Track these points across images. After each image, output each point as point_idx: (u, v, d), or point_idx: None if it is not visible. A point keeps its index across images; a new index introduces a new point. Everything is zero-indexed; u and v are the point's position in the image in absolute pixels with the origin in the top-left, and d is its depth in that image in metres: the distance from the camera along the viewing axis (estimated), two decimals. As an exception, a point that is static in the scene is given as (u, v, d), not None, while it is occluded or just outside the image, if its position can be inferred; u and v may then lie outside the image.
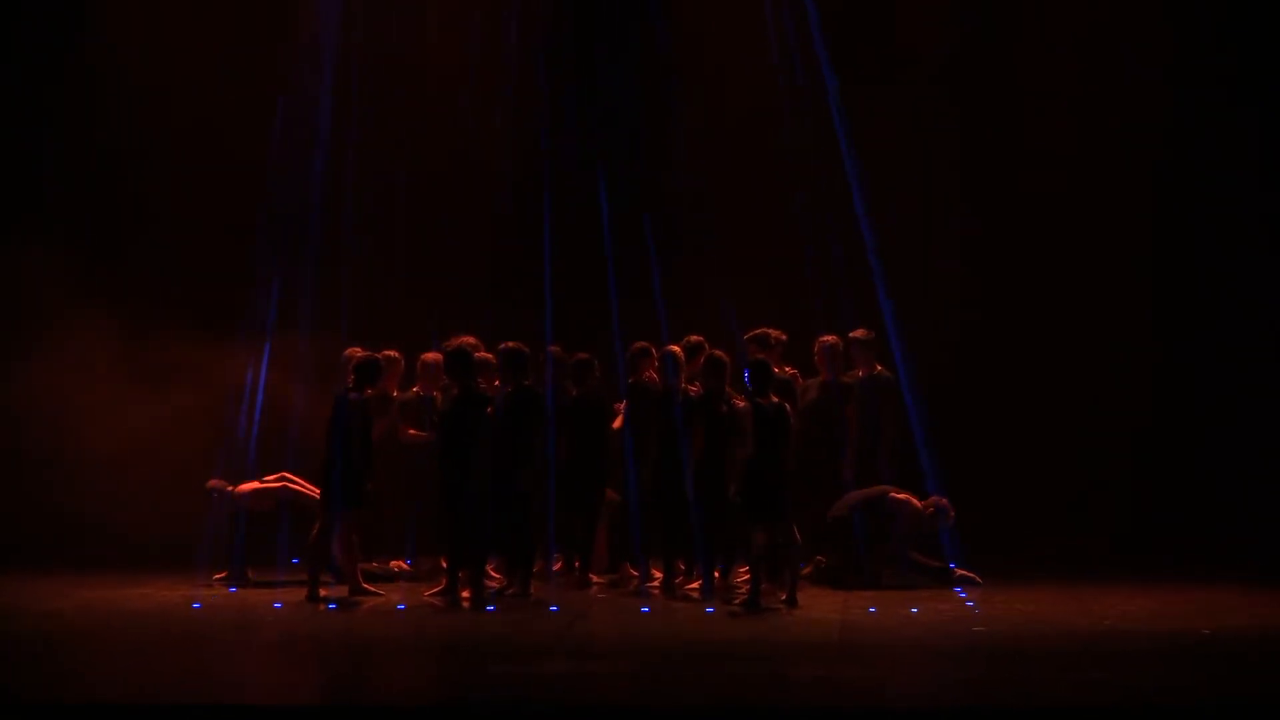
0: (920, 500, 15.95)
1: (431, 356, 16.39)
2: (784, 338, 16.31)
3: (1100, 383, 18.19)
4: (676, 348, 15.88)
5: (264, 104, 17.86)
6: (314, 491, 15.75)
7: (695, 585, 15.66)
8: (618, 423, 16.09)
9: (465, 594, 15.21)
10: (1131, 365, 18.13)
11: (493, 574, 15.83)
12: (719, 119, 18.36)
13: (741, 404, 15.17)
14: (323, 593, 15.28)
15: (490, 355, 15.88)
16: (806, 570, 16.05)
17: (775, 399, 15.12)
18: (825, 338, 16.51)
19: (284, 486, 16.17)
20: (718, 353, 15.67)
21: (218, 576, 16.10)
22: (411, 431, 16.33)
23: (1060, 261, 18.28)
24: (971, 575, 15.95)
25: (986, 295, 18.29)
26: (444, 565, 15.61)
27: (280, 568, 16.41)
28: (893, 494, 15.88)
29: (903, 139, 18.31)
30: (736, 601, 15.10)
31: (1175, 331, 18.05)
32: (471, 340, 15.85)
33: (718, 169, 18.11)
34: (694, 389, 15.62)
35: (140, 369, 17.83)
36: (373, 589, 15.60)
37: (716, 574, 15.63)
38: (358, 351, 15.86)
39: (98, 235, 18.45)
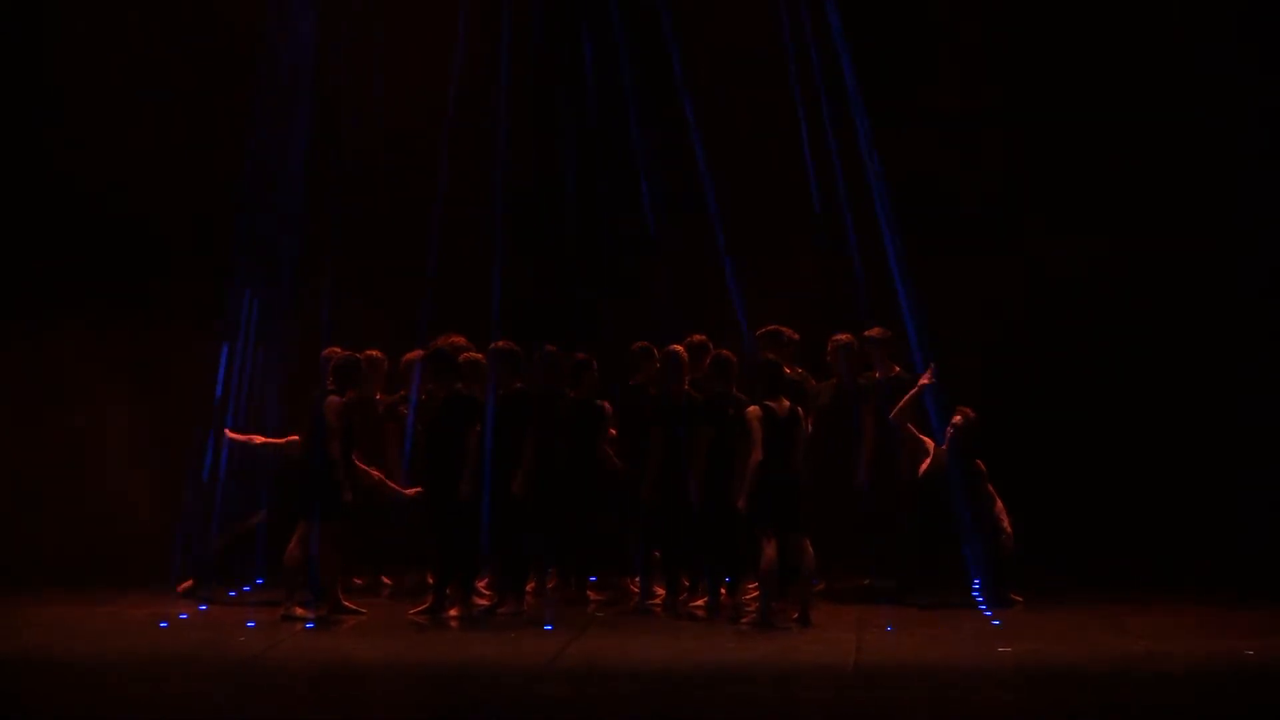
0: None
1: (416, 356, 16.18)
2: (796, 337, 16.21)
3: (1129, 390, 18.17)
4: (679, 347, 15.78)
5: (240, 101, 17.95)
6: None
7: (700, 602, 15.64)
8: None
9: (453, 612, 15.18)
10: (1158, 372, 18.15)
11: (483, 590, 15.74)
12: (729, 105, 18.37)
13: (750, 408, 15.05)
14: (299, 611, 15.15)
15: (480, 355, 15.73)
16: (819, 586, 15.93)
17: (786, 402, 15.08)
18: (839, 337, 16.39)
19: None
20: (724, 352, 15.60)
21: (182, 586, 15.97)
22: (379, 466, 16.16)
23: (1093, 257, 18.27)
24: (1016, 599, 15.89)
25: (1015, 292, 18.25)
26: (430, 581, 15.51)
27: (254, 582, 16.39)
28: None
29: (927, 127, 18.34)
30: (745, 620, 15.05)
31: (1202, 341, 18.10)
32: (460, 340, 15.80)
33: (726, 157, 18.03)
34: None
35: (113, 375, 17.95)
36: (354, 606, 15.47)
37: (723, 590, 15.57)
38: (337, 351, 15.75)
39: (69, 236, 18.50)
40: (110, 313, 18.02)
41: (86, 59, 18.36)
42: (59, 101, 18.42)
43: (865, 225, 17.24)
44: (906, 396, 15.79)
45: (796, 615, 14.88)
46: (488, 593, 15.72)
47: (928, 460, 15.83)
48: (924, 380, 15.82)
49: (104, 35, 18.35)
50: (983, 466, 15.94)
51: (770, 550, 14.82)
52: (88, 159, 18.35)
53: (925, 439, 15.87)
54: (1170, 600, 16.02)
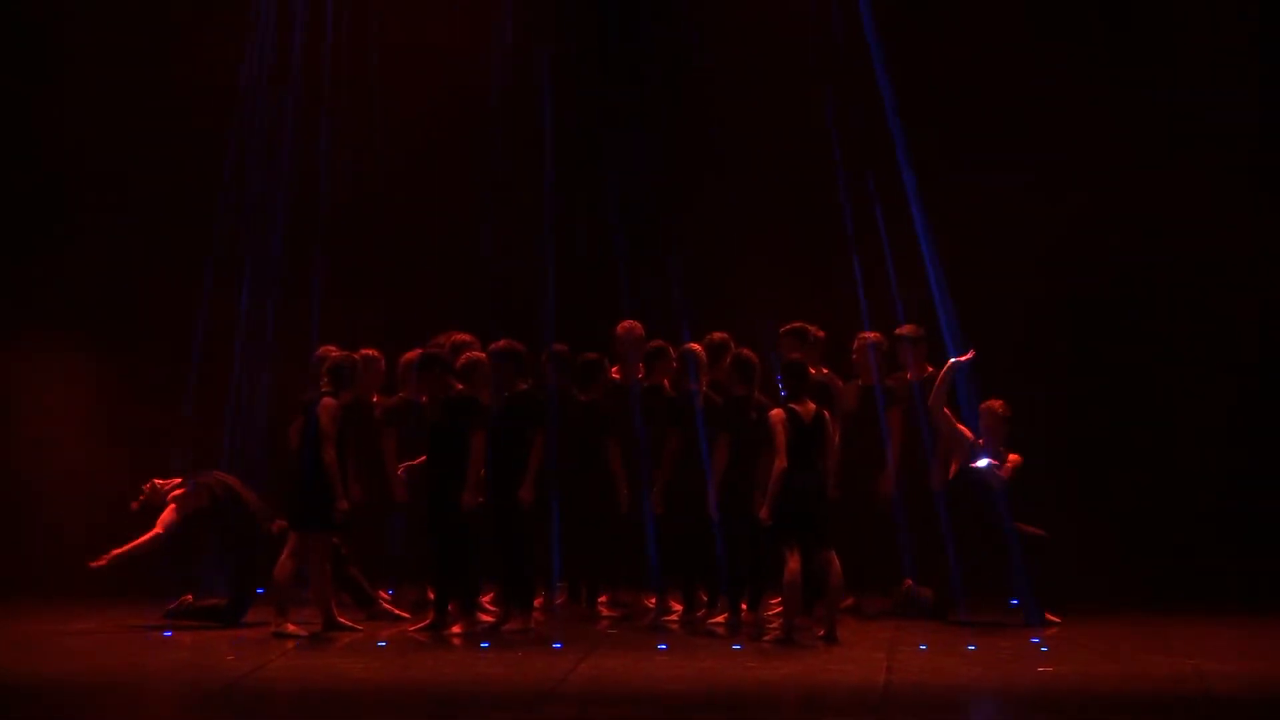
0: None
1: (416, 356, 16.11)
2: (823, 335, 16.20)
3: (1172, 394, 18.12)
4: (697, 346, 15.75)
5: (229, 87, 18.00)
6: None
7: (720, 619, 15.56)
8: None
9: (456, 629, 15.13)
10: (1197, 381, 18.09)
11: (487, 606, 15.64)
12: (754, 90, 18.27)
13: (773, 411, 14.97)
14: (291, 628, 15.06)
15: (484, 355, 15.64)
16: (848, 602, 15.85)
17: (812, 405, 14.97)
18: (867, 335, 16.35)
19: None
20: (745, 352, 15.52)
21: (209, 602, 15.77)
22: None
23: (1139, 253, 18.20)
24: (1053, 618, 15.74)
25: (1056, 288, 18.10)
26: (431, 596, 15.46)
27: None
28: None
29: (964, 113, 18.28)
30: (767, 638, 14.98)
31: (1244, 352, 18.12)
32: (467, 338, 15.74)
33: (748, 143, 18.08)
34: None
35: (103, 380, 18.04)
36: (349, 623, 15.39)
37: (744, 606, 15.48)
38: (332, 351, 15.70)
39: (52, 237, 18.47)
40: (93, 315, 18.02)
41: (82, 55, 18.38)
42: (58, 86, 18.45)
43: (896, 220, 17.16)
44: (940, 377, 15.59)
45: (823, 633, 14.81)
46: (493, 608, 15.62)
47: (960, 458, 15.70)
48: (954, 360, 15.58)
49: (94, 32, 18.36)
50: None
51: (794, 563, 14.71)
52: (75, 154, 18.32)
53: (964, 429, 15.70)
54: (1210, 613, 16.00)
